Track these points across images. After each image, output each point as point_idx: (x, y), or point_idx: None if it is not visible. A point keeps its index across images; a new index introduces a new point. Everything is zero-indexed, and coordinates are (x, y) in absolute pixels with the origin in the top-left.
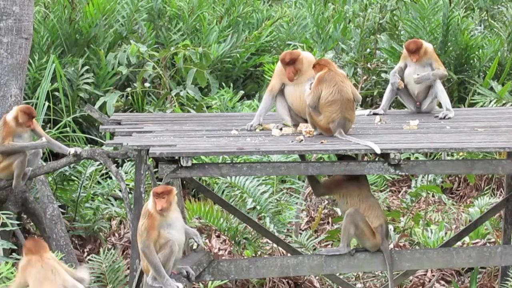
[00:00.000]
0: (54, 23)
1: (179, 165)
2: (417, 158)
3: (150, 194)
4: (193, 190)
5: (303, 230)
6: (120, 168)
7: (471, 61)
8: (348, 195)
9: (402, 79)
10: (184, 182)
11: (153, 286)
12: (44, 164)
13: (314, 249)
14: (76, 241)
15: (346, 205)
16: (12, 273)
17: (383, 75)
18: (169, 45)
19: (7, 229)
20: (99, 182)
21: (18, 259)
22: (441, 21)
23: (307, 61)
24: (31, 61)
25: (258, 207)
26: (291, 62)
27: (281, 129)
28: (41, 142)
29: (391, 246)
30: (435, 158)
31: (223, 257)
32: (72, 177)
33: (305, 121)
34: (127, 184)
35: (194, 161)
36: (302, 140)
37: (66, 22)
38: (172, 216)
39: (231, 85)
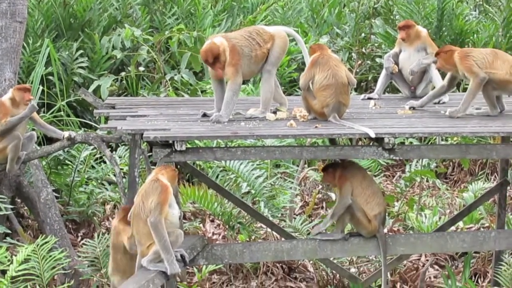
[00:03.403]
0: (48, 7)
1: (173, 149)
2: (411, 142)
3: (154, 173)
4: (187, 175)
5: (297, 215)
6: (114, 152)
7: (466, 46)
8: (354, 185)
9: (397, 64)
10: (178, 166)
11: (148, 269)
12: (38, 148)
13: (308, 234)
14: (70, 226)
15: (350, 195)
16: (6, 257)
17: (377, 59)
18: (163, 29)
19: (1, 213)
20: (93, 167)
21: (12, 243)
22: (436, 6)
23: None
24: (25, 45)
25: (252, 192)
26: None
27: (275, 113)
28: (30, 106)
29: (385, 230)
30: (429, 143)
31: (217, 242)
32: (66, 161)
33: None
34: (121, 169)
35: (188, 145)
36: (292, 125)
37: (60, 6)
38: (173, 197)
39: None
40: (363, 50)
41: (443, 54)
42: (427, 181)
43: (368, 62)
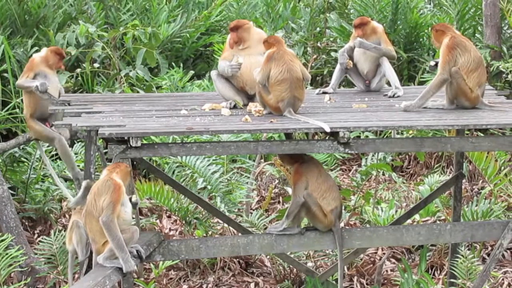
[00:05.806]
0: (3, 4)
1: (129, 145)
2: (366, 136)
3: (107, 171)
4: (144, 171)
5: (253, 210)
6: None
7: (421, 40)
8: (309, 181)
9: (352, 58)
10: (135, 162)
11: (104, 266)
12: None
13: (265, 228)
14: (27, 223)
15: (305, 190)
16: None
17: (332, 54)
18: (118, 25)
19: None
20: None
21: None
22: (391, 0)
23: (257, 34)
24: None
25: (208, 187)
26: (234, 29)
27: (231, 108)
28: (41, 83)
29: (342, 224)
30: (384, 137)
31: (174, 237)
32: (22, 158)
33: (248, 96)
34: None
35: (144, 141)
36: (247, 120)
37: (15, 3)
38: (125, 196)
39: (181, 65)
40: (318, 44)
41: (434, 31)
42: (383, 174)
43: (323, 56)
